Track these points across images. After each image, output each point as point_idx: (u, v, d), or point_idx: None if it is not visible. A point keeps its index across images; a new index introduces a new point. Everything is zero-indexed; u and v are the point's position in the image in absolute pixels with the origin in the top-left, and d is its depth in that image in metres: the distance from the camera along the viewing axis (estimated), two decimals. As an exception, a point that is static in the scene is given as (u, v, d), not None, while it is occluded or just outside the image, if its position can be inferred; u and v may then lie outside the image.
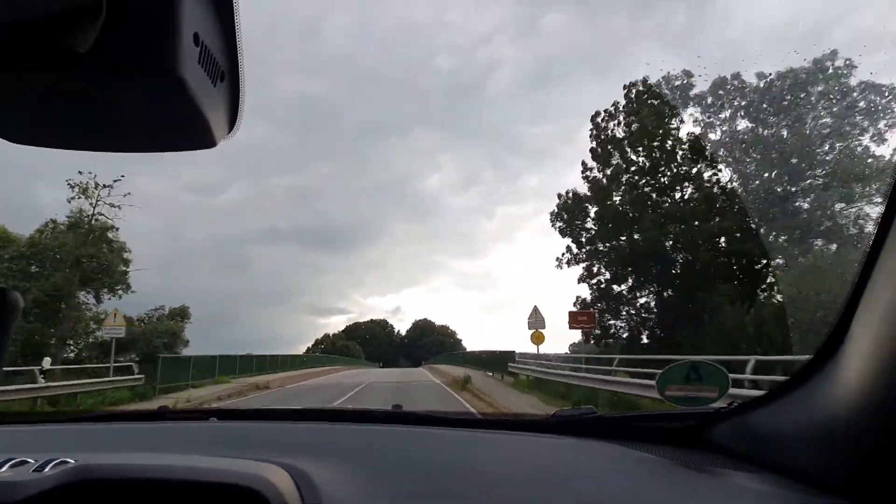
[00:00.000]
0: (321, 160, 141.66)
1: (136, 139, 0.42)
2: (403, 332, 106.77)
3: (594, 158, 24.02)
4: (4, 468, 0.55)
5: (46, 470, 0.54)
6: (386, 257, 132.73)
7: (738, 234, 18.94)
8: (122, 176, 20.71)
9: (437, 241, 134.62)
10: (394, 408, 1.23)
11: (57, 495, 0.53)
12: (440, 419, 1.11)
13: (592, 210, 23.63)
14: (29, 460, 0.57)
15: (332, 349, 77.88)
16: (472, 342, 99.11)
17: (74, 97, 0.35)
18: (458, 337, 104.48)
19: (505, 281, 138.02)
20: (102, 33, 0.30)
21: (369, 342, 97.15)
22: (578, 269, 24.09)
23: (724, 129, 20.11)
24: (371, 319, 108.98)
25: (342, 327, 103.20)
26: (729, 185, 20.63)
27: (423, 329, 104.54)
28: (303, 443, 0.87)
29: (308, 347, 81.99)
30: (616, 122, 23.49)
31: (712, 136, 20.45)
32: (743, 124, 19.75)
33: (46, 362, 11.83)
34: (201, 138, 0.39)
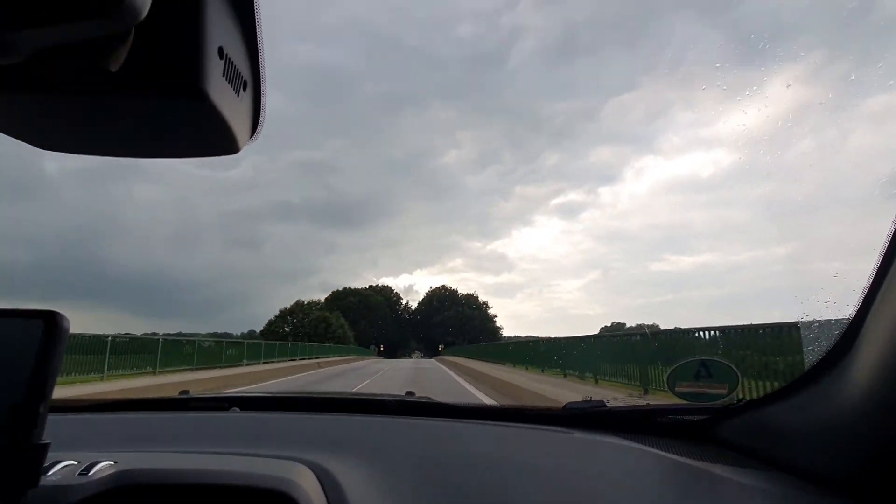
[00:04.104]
0: (335, 134, 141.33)
1: (160, 147, 0.44)
2: (414, 307, 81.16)
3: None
4: (53, 470, 0.58)
5: (91, 473, 0.58)
6: (400, 236, 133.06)
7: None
8: None
9: (452, 221, 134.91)
10: (406, 394, 1.31)
11: (100, 499, 0.57)
12: (454, 409, 1.15)
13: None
14: (73, 462, 0.60)
15: (301, 325, 57.78)
16: (507, 326, 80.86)
17: (103, 111, 0.37)
18: (491, 312, 78.04)
19: (519, 264, 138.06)
20: (132, 53, 0.32)
21: (364, 315, 71.28)
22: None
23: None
24: (370, 286, 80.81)
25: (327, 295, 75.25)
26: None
27: (441, 300, 77.48)
28: (323, 436, 0.92)
29: (270, 320, 61.05)
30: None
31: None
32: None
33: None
34: (225, 146, 0.41)
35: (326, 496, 0.62)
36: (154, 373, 13.11)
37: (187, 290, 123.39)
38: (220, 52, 0.36)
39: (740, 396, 0.94)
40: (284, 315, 61.94)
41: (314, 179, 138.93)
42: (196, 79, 0.34)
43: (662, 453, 0.85)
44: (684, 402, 0.99)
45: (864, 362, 0.63)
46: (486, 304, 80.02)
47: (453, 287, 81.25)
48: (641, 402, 1.07)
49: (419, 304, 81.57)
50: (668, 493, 0.73)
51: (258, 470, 0.64)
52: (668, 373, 0.98)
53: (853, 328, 0.67)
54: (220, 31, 0.36)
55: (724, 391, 0.95)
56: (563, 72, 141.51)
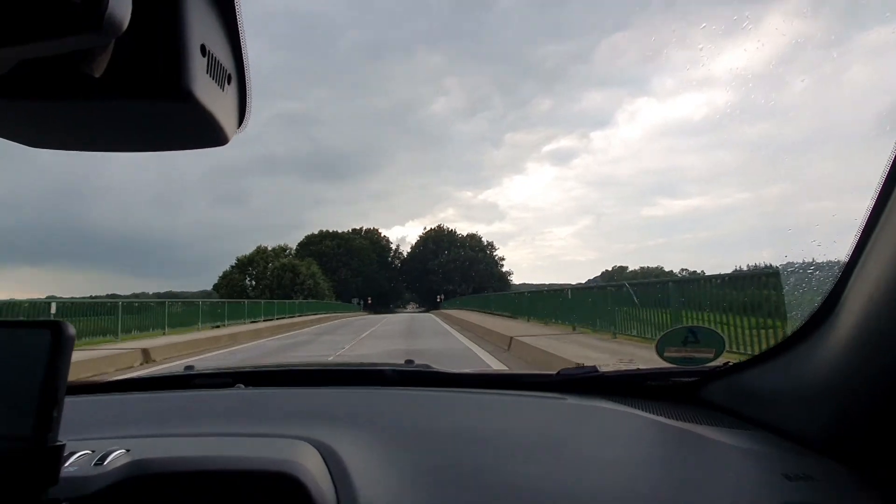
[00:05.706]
0: (318, 84, 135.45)
1: (149, 143, 0.45)
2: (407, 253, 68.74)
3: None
4: (70, 461, 0.61)
5: (106, 463, 0.60)
6: (390, 188, 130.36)
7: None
8: None
9: (442, 171, 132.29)
10: (406, 363, 1.34)
11: (116, 488, 0.60)
12: (452, 378, 1.19)
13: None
14: (87, 452, 0.62)
15: (261, 276, 46.42)
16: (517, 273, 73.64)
17: (90, 114, 0.37)
18: (497, 255, 66.16)
19: (511, 212, 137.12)
20: (114, 57, 0.32)
21: (345, 262, 59.78)
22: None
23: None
24: (352, 229, 67.04)
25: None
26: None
27: (438, 242, 65.32)
28: (325, 412, 0.95)
29: (225, 272, 48.46)
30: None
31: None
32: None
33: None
34: (213, 138, 0.42)
35: (331, 474, 0.65)
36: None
37: (175, 249, 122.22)
38: (203, 49, 0.35)
39: (726, 360, 0.98)
40: (243, 265, 48.34)
41: (298, 131, 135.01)
42: (180, 79, 0.34)
43: (651, 416, 0.89)
44: (673, 366, 1.03)
45: (844, 328, 0.65)
46: (491, 245, 66.48)
47: (450, 228, 68.68)
48: (633, 366, 1.11)
49: (412, 247, 69.31)
50: (657, 454, 0.77)
51: (265, 453, 0.68)
52: (658, 338, 1.02)
53: (834, 294, 0.69)
54: (201, 28, 0.35)
55: (711, 355, 0.99)
56: (555, 11, 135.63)
